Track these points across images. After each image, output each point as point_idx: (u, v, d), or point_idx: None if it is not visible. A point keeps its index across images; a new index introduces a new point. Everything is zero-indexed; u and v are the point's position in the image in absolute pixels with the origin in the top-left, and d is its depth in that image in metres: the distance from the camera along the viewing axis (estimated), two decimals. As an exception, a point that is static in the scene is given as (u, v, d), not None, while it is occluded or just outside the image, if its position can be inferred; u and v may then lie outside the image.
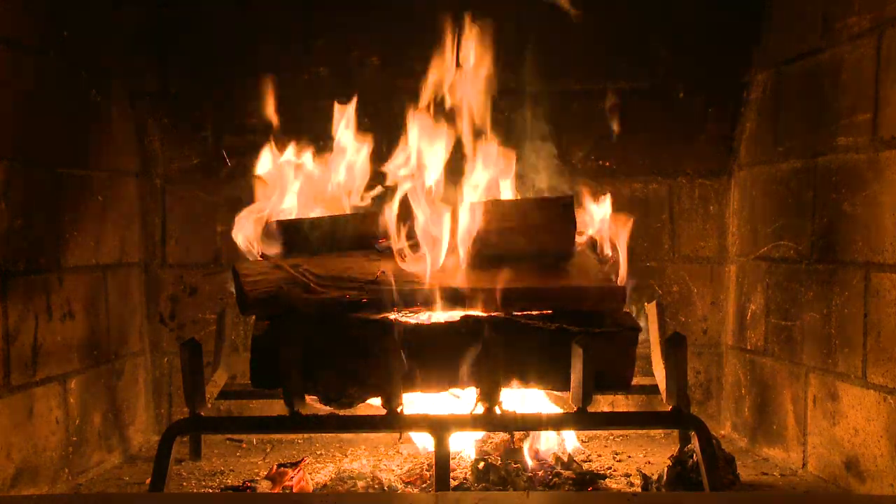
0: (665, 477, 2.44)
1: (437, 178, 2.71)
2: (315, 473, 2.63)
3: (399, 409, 2.32)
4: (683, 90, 3.13)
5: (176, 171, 3.13)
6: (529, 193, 2.94)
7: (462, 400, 2.56)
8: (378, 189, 2.83)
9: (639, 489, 2.48)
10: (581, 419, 2.36)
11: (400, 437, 2.85)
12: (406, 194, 2.61)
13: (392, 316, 2.41)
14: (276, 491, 2.43)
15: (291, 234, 2.62)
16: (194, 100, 3.10)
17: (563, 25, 3.01)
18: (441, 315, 2.43)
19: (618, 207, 2.87)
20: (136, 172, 3.09)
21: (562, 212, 2.59)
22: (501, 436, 2.63)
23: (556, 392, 2.57)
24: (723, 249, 3.18)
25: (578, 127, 3.12)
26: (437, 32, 2.80)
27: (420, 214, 2.57)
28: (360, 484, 2.50)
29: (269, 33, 3.07)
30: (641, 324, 2.55)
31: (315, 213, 2.76)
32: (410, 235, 2.57)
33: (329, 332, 2.37)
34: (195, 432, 2.78)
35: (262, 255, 2.60)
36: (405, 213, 2.60)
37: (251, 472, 2.71)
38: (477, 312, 2.41)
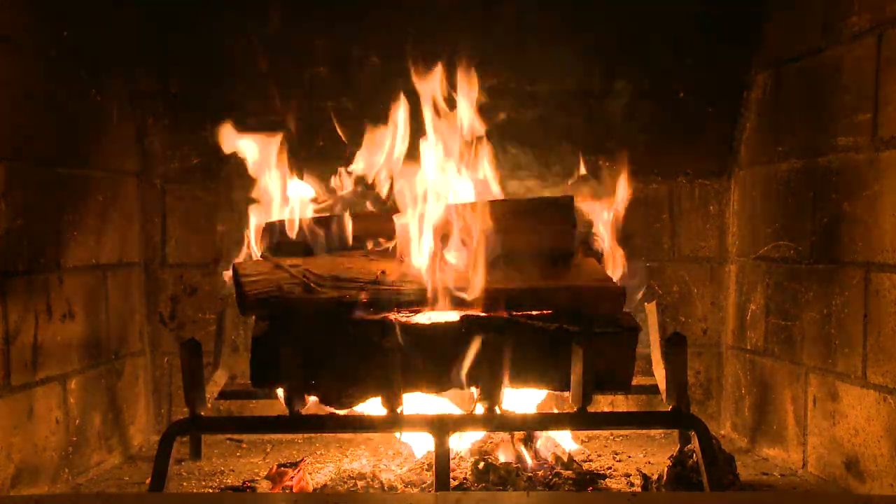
0: (665, 477, 2.44)
1: (437, 178, 2.71)
2: (315, 473, 2.63)
3: (399, 410, 2.32)
4: (683, 90, 3.13)
5: (176, 171, 3.12)
6: (528, 193, 2.94)
7: (461, 401, 2.56)
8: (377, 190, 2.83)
9: (639, 489, 2.48)
10: (581, 419, 2.36)
11: (400, 438, 2.85)
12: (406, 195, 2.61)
13: (392, 316, 2.40)
14: (276, 491, 2.43)
15: (292, 233, 2.63)
16: (194, 100, 3.10)
17: (563, 25, 3.02)
18: (441, 315, 2.43)
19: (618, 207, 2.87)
20: (136, 172, 3.08)
21: (562, 212, 2.59)
22: (501, 436, 2.62)
23: (556, 392, 2.57)
24: (723, 249, 3.18)
25: (578, 127, 3.12)
26: (436, 30, 2.80)
27: (420, 214, 2.57)
28: (360, 484, 2.50)
29: (270, 33, 3.06)
30: (641, 324, 2.54)
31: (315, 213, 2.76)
32: (411, 235, 2.57)
33: (329, 332, 2.37)
34: (195, 432, 2.77)
35: (263, 255, 2.60)
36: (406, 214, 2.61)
37: (251, 472, 2.71)
38: (477, 312, 2.41)
